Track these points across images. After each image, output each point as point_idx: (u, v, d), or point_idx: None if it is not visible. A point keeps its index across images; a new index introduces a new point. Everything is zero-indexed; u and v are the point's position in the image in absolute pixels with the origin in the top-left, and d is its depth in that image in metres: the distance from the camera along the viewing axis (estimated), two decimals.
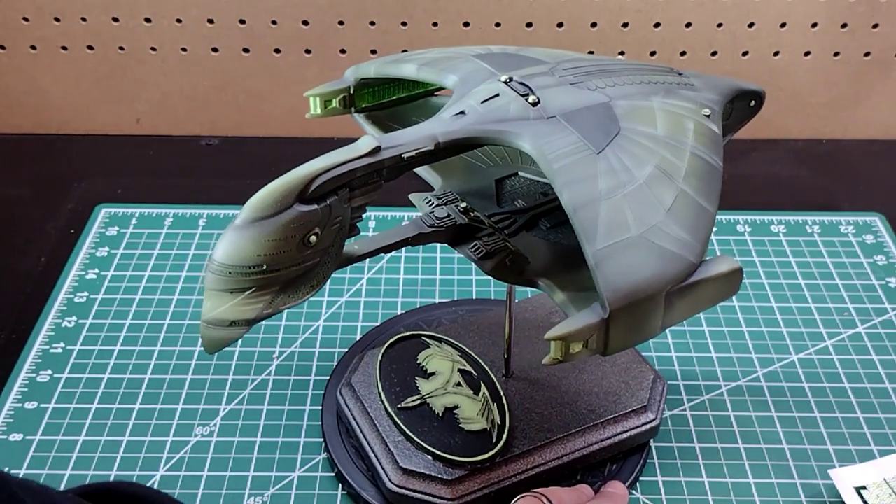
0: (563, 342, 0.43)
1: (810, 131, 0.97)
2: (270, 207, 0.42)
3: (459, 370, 0.61)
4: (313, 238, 0.44)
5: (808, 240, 0.81)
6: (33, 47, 0.91)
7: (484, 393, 0.60)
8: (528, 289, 0.70)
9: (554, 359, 0.43)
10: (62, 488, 0.59)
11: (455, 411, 0.59)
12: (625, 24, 0.89)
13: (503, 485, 0.57)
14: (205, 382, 0.67)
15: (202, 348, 0.68)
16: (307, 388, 0.67)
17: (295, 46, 0.90)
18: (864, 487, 0.58)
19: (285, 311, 0.47)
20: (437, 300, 0.74)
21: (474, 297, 0.74)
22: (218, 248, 0.43)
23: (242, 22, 0.89)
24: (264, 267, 0.43)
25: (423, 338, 0.64)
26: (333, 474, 0.61)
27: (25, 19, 0.89)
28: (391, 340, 0.63)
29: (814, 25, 0.89)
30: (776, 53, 0.91)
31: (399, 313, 0.73)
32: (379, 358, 0.62)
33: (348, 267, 0.55)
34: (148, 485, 0.60)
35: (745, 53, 0.91)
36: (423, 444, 0.57)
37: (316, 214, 0.43)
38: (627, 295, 0.43)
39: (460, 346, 0.63)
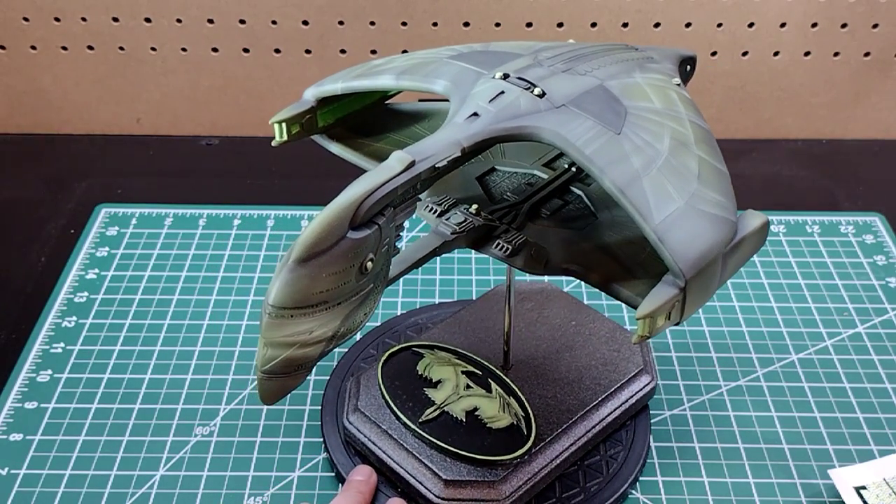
0: (650, 319, 0.43)
1: (810, 131, 0.97)
2: (326, 240, 0.41)
3: (463, 372, 0.61)
4: (369, 264, 0.43)
5: (808, 240, 0.81)
6: (33, 47, 0.91)
7: (496, 389, 0.60)
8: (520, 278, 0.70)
9: (641, 336, 0.44)
10: (61, 488, 0.59)
11: (476, 413, 0.58)
12: (625, 24, 0.89)
13: (543, 473, 0.57)
14: (205, 382, 0.67)
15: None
16: (307, 388, 0.67)
17: (295, 46, 0.90)
18: (864, 487, 0.58)
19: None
20: (436, 300, 0.74)
21: (474, 298, 0.74)
22: (273, 292, 0.41)
23: (242, 22, 0.89)
24: (327, 302, 0.42)
25: (414, 349, 0.63)
26: (333, 474, 0.61)
27: (25, 19, 0.89)
28: (383, 358, 0.61)
29: (814, 25, 0.89)
30: (776, 53, 0.91)
31: (399, 313, 0.73)
32: (380, 378, 0.60)
33: None
34: (148, 485, 0.60)
35: (745, 53, 0.91)
36: (459, 451, 0.56)
37: (369, 239, 0.42)
38: (697, 262, 0.44)
39: (452, 348, 0.63)
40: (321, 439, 0.63)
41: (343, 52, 0.91)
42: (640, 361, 0.63)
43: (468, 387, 0.60)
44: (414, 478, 0.57)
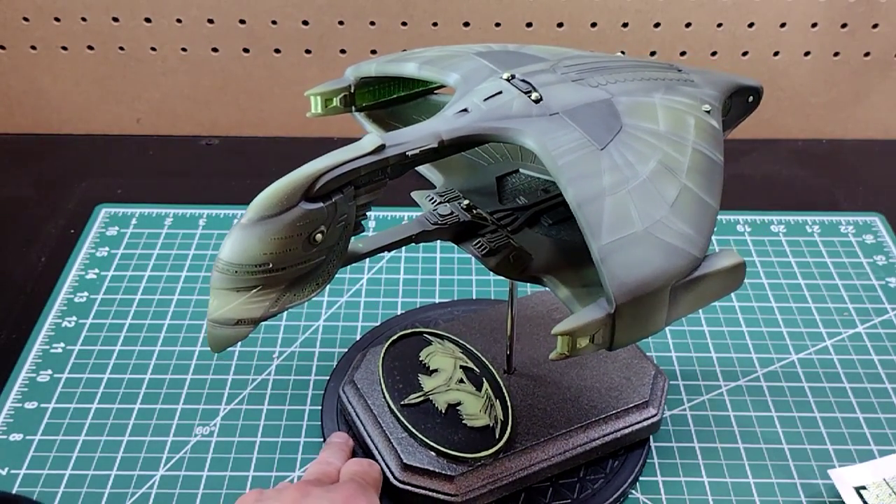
0: (570, 337, 0.43)
1: (810, 131, 0.97)
2: (276, 206, 0.43)
3: (461, 367, 0.61)
4: (319, 236, 0.44)
5: (808, 240, 0.81)
6: (33, 47, 0.91)
7: (486, 389, 0.60)
8: (529, 286, 0.70)
9: (560, 354, 0.43)
10: (61, 488, 0.59)
11: (458, 408, 0.59)
12: (625, 24, 0.89)
13: (506, 481, 0.57)
14: (205, 382, 0.67)
15: (207, 347, 0.69)
16: (307, 388, 0.67)
17: (295, 46, 0.90)
18: (864, 487, 0.58)
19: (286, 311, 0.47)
20: (437, 300, 0.74)
21: (474, 298, 0.74)
22: (224, 247, 0.43)
23: (242, 22, 0.89)
24: (270, 265, 0.43)
25: (425, 335, 0.64)
26: None
27: (25, 19, 0.89)
28: (393, 338, 0.63)
29: (814, 25, 0.89)
30: (776, 53, 0.91)
31: (399, 313, 0.73)
32: (381, 355, 0.62)
33: (348, 266, 0.55)
34: (148, 485, 0.60)
35: (745, 53, 0.91)
36: (426, 440, 0.57)
37: (322, 213, 0.43)
38: (633, 290, 0.43)
39: (462, 342, 0.63)
40: (321, 439, 0.63)
41: (343, 52, 0.91)
42: (646, 393, 0.61)
43: (460, 381, 0.61)
44: (381, 455, 0.58)
